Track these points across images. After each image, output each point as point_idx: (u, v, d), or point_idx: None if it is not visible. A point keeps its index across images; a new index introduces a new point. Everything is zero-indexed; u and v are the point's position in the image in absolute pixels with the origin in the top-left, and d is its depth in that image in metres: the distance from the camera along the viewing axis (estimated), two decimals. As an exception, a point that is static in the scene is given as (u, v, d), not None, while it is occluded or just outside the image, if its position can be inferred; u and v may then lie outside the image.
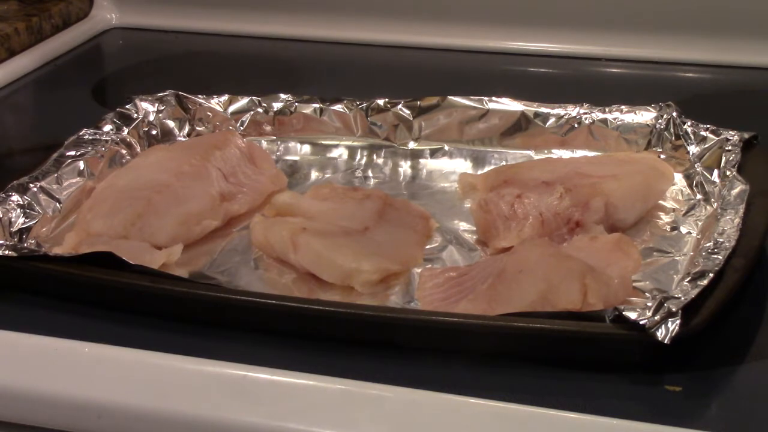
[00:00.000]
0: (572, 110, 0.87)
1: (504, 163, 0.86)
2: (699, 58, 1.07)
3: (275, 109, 0.91)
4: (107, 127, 0.86)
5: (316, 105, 0.90)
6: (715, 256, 0.64)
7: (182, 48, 1.20)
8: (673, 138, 0.83)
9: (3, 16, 1.15)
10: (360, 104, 0.90)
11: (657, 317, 0.57)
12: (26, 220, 0.75)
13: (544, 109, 0.87)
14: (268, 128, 0.92)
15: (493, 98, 0.88)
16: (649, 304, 0.58)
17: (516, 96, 0.89)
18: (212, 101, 0.92)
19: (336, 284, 0.69)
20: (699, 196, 0.78)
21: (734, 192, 0.72)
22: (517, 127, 0.88)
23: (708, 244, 0.66)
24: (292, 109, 0.91)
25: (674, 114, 0.84)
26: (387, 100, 0.89)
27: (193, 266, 0.73)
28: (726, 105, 0.99)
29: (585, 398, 0.57)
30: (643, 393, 0.58)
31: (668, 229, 0.75)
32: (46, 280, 0.68)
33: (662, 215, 0.77)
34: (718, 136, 0.80)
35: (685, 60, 1.07)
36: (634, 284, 0.67)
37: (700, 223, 0.75)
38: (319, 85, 1.04)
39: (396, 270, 0.71)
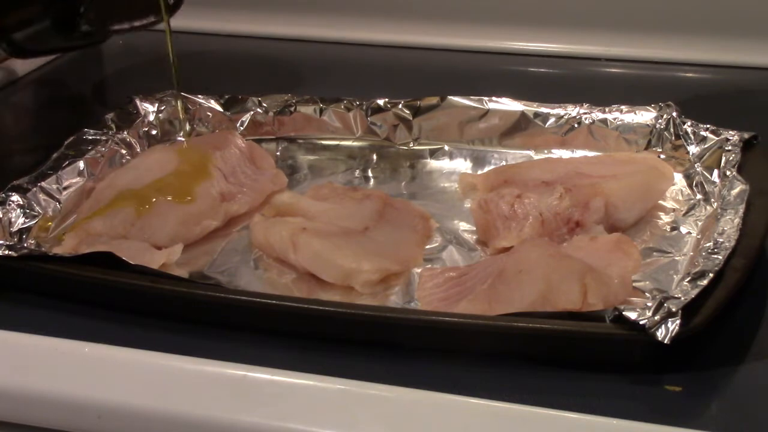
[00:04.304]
0: (572, 110, 0.87)
1: (504, 163, 0.86)
2: (699, 58, 1.07)
3: (275, 109, 0.91)
4: (107, 127, 0.86)
5: (316, 105, 0.90)
6: (715, 256, 0.64)
7: (182, 48, 1.19)
8: (673, 138, 0.83)
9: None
10: (360, 104, 0.90)
11: (657, 317, 0.57)
12: (26, 220, 0.75)
13: (544, 109, 0.87)
14: (268, 128, 0.92)
15: (493, 98, 0.88)
16: (649, 304, 0.58)
17: (516, 96, 0.89)
18: (212, 101, 0.92)
19: (336, 284, 0.69)
20: (699, 196, 0.78)
21: (734, 192, 0.72)
22: (517, 127, 0.88)
23: (708, 244, 0.66)
24: (292, 109, 0.91)
25: (674, 114, 0.84)
26: (387, 100, 0.89)
27: (193, 266, 0.73)
28: (726, 105, 0.99)
29: (585, 398, 0.57)
30: (643, 393, 0.58)
31: (668, 229, 0.75)
32: (46, 280, 0.68)
33: (662, 215, 0.77)
34: (718, 136, 0.80)
35: (685, 60, 1.07)
36: (634, 284, 0.67)
37: (700, 223, 0.75)
38: (319, 85, 1.04)
39: (396, 270, 0.71)
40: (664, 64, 1.08)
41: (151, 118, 0.90)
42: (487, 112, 0.88)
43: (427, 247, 0.75)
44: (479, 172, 0.85)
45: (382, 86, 1.02)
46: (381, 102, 0.89)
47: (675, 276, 0.69)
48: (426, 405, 0.57)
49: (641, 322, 0.57)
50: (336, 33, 1.18)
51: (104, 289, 0.67)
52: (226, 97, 0.92)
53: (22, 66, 1.10)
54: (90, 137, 0.84)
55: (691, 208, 0.77)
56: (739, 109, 0.97)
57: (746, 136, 0.79)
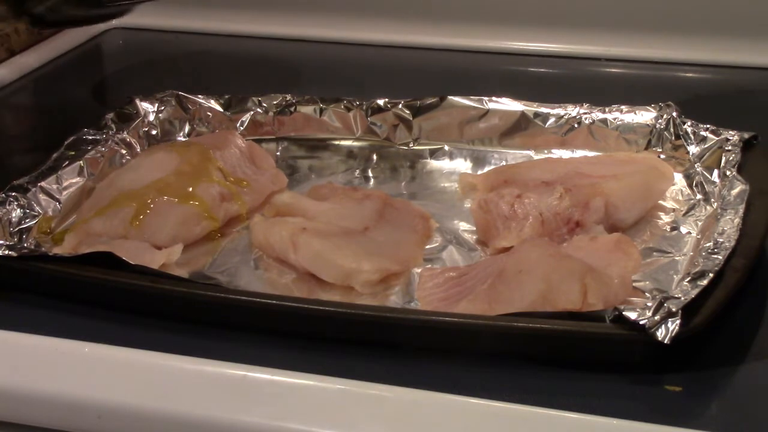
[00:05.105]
0: (572, 110, 0.87)
1: (504, 163, 0.86)
2: (699, 58, 1.07)
3: (275, 109, 0.91)
4: (107, 127, 0.86)
5: (316, 105, 0.90)
6: (715, 256, 0.64)
7: (182, 48, 1.20)
8: (673, 138, 0.83)
9: (3, 16, 1.15)
10: (360, 104, 0.90)
11: (657, 317, 0.57)
12: (26, 220, 0.75)
13: (544, 109, 0.87)
14: (268, 128, 0.92)
15: (493, 98, 0.88)
16: (649, 304, 0.58)
17: (516, 96, 0.89)
18: (212, 101, 0.92)
19: (336, 284, 0.69)
20: (699, 196, 0.78)
21: (734, 192, 0.72)
22: (517, 127, 0.88)
23: (708, 244, 0.66)
24: (292, 109, 0.91)
25: (674, 114, 0.84)
26: (387, 100, 0.89)
27: (193, 266, 0.73)
28: (726, 105, 0.99)
29: (585, 398, 0.57)
30: (643, 393, 0.58)
31: (668, 229, 0.75)
32: (46, 280, 0.68)
33: (662, 215, 0.77)
34: (718, 136, 0.80)
35: (685, 60, 1.07)
36: (634, 284, 0.67)
37: (700, 223, 0.75)
38: (319, 85, 1.04)
39: (396, 270, 0.71)
40: (664, 64, 1.08)
41: (151, 118, 0.90)
42: (487, 112, 0.88)
43: (427, 247, 0.75)
44: (479, 172, 0.85)
45: (382, 86, 1.02)
46: (381, 102, 0.89)
47: (675, 276, 0.69)
48: (426, 405, 0.56)
49: (641, 322, 0.57)
50: (336, 33, 1.17)
51: (104, 289, 0.67)
52: (226, 97, 0.92)
53: (21, 66, 1.10)
54: (90, 137, 0.84)
55: (691, 208, 0.77)
56: (739, 109, 0.97)
57: (746, 136, 0.79)
